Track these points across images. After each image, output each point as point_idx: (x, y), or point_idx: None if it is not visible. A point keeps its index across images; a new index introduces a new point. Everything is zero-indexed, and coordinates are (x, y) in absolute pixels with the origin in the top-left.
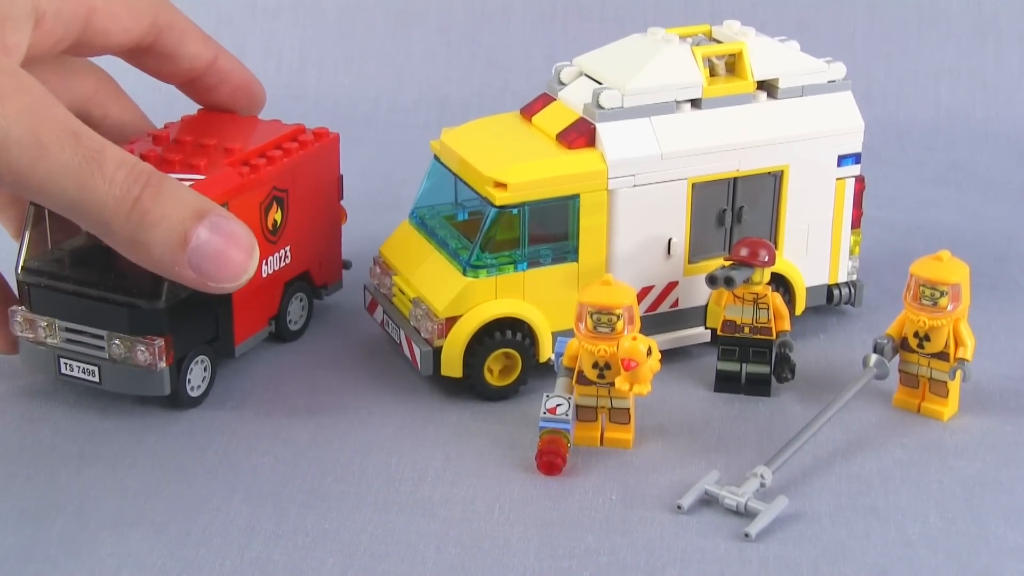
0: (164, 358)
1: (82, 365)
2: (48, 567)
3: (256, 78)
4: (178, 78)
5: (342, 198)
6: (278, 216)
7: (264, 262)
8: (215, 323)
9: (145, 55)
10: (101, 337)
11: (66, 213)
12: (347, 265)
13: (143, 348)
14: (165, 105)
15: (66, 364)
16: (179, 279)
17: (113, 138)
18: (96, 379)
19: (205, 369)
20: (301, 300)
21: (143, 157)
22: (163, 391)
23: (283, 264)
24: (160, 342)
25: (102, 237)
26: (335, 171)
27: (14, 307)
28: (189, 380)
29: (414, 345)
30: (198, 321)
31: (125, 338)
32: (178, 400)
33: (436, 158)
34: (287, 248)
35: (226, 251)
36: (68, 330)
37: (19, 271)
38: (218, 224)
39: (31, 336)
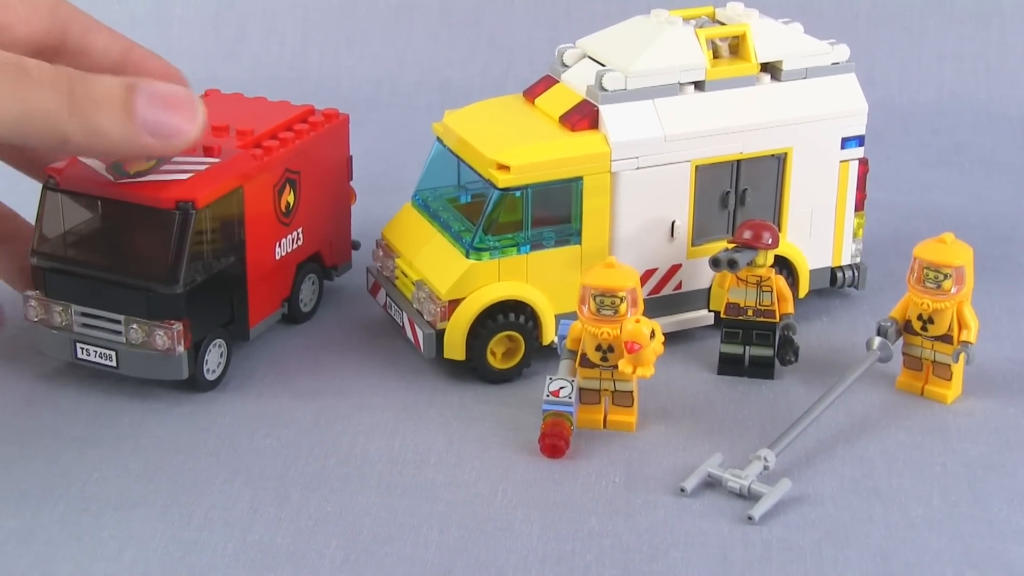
0: (182, 342)
1: (99, 350)
2: (50, 549)
3: (176, 68)
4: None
5: (351, 179)
6: (291, 198)
7: (277, 244)
8: (231, 306)
9: (54, 54)
10: (118, 322)
11: (17, 135)
12: (356, 245)
13: (161, 332)
14: None
15: (82, 349)
16: (144, 151)
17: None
18: (113, 363)
19: (221, 353)
20: (312, 282)
21: None
22: (181, 375)
23: (296, 246)
24: (179, 326)
25: (61, 145)
26: (345, 152)
27: (29, 291)
28: (206, 363)
29: (417, 328)
30: (214, 305)
31: (143, 322)
32: (195, 384)
33: (439, 140)
34: (299, 230)
35: (171, 105)
36: (84, 315)
37: (33, 255)
38: (148, 87)
39: (46, 321)
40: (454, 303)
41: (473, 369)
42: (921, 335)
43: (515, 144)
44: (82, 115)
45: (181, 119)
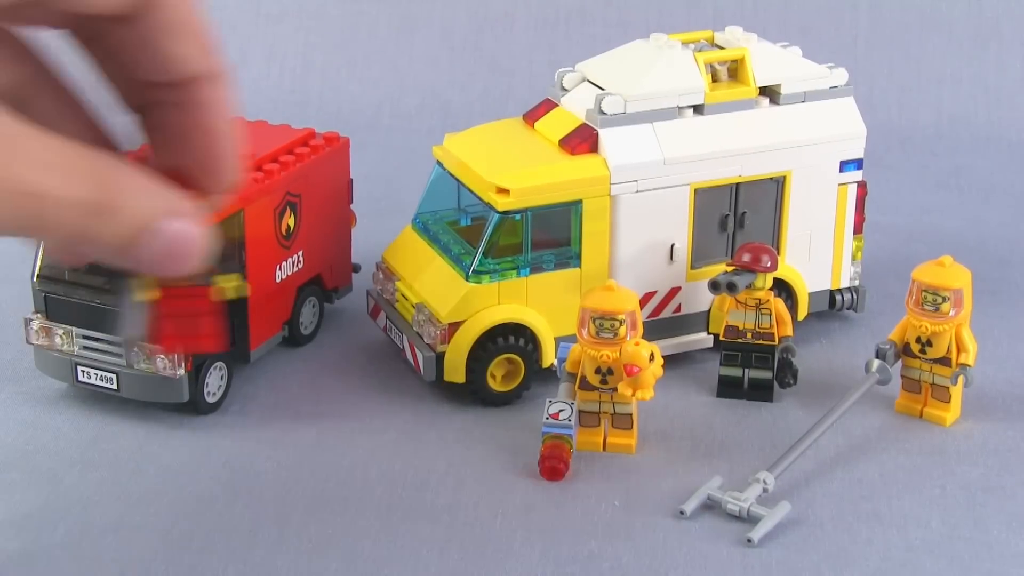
0: (183, 365)
1: (100, 372)
2: (51, 572)
3: (234, 147)
4: (134, 86)
5: (352, 202)
6: (291, 221)
7: (278, 267)
8: (231, 329)
9: (107, 36)
10: (119, 345)
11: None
12: (356, 269)
13: (162, 356)
14: None
15: (83, 372)
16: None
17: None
18: (114, 387)
19: (222, 376)
20: (313, 304)
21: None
22: (182, 398)
23: (296, 269)
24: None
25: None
26: (345, 175)
27: (30, 315)
28: (207, 386)
29: (417, 350)
30: None
31: (144, 345)
32: (196, 407)
33: (439, 163)
34: (300, 253)
35: (177, 255)
36: (85, 338)
37: (35, 279)
38: (167, 234)
39: (47, 344)
40: (454, 326)
41: (473, 392)
42: (920, 358)
43: (515, 167)
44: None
45: (179, 267)
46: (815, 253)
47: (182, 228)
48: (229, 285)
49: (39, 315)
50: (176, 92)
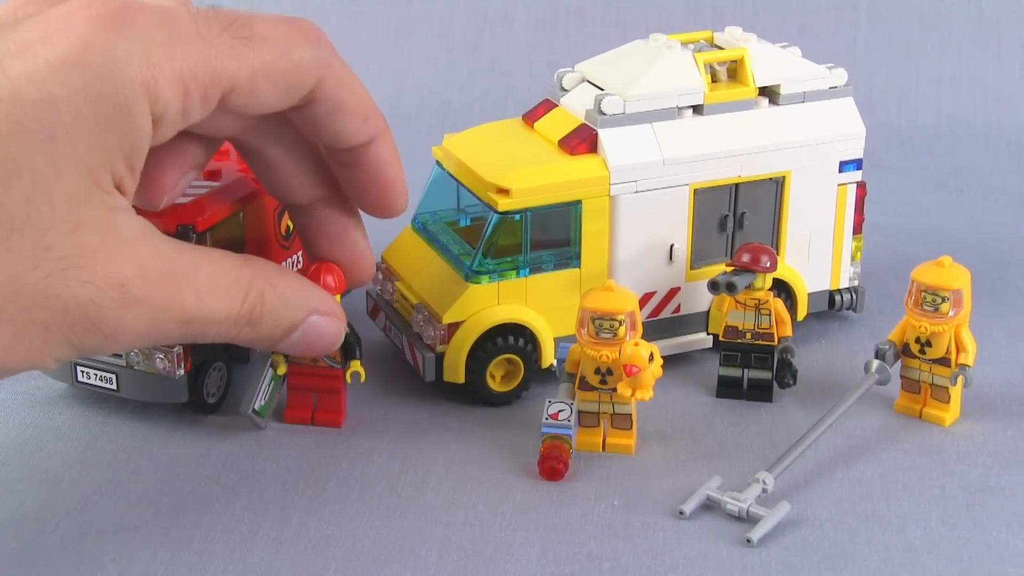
0: (183, 365)
1: (99, 373)
2: (50, 572)
3: (402, 187)
4: (302, 150)
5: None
6: (291, 222)
7: None
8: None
9: (273, 121)
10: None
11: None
12: None
13: (161, 355)
14: None
15: (83, 372)
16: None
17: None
18: (114, 387)
19: (221, 376)
20: None
21: None
22: (181, 398)
23: (296, 269)
24: (179, 349)
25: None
26: None
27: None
28: (206, 386)
29: (416, 351)
30: None
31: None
32: (195, 407)
33: (438, 164)
34: (299, 253)
35: (319, 341)
36: None
37: None
38: (316, 326)
39: None
40: (453, 326)
41: (472, 392)
42: (919, 358)
43: (514, 168)
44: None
45: (314, 353)
46: (814, 253)
47: (321, 324)
48: (358, 369)
49: None
50: (348, 155)
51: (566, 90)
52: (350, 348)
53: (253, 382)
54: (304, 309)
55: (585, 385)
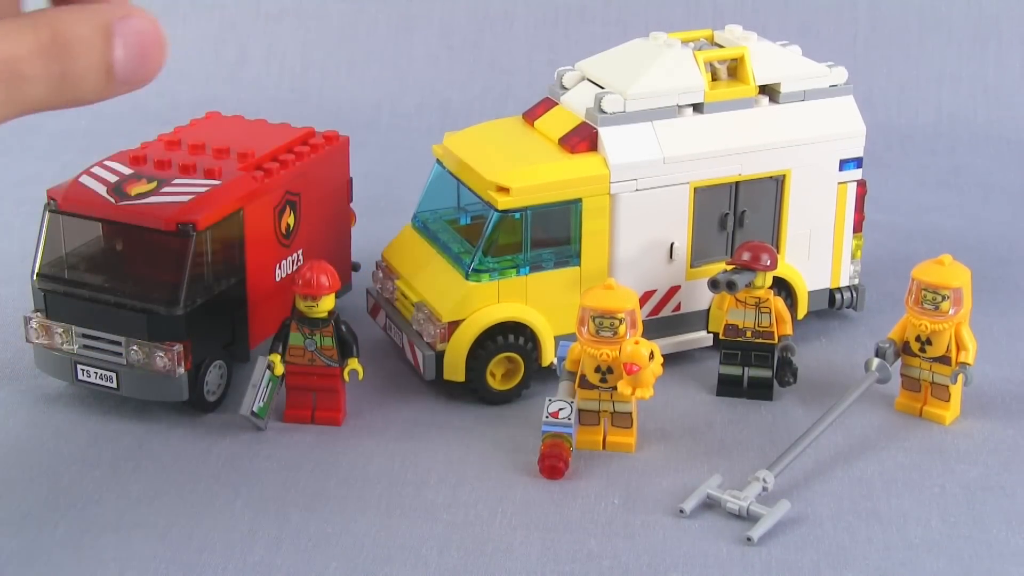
0: (183, 363)
1: (99, 371)
2: (51, 570)
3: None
4: None
5: (351, 201)
6: (291, 220)
7: (278, 266)
8: (231, 327)
9: None
10: (119, 343)
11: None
12: (356, 267)
13: (162, 354)
14: (170, 109)
15: (83, 370)
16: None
17: None
18: (114, 385)
19: (221, 375)
20: None
21: (158, 164)
22: (182, 396)
23: (296, 268)
24: (179, 348)
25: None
26: (345, 174)
27: (29, 314)
28: (207, 385)
29: (417, 349)
30: (215, 326)
31: (144, 344)
32: (195, 405)
33: (438, 162)
34: (299, 252)
35: (146, 49)
36: (85, 336)
37: (35, 277)
38: (124, 29)
39: (47, 342)
40: (454, 324)
41: (473, 390)
42: (919, 356)
43: (515, 166)
44: (60, 77)
45: (154, 64)
46: (815, 252)
47: (138, 23)
48: (356, 367)
49: (39, 314)
50: None
51: (566, 88)
52: (347, 346)
53: (248, 384)
54: (101, 13)
55: (585, 383)
